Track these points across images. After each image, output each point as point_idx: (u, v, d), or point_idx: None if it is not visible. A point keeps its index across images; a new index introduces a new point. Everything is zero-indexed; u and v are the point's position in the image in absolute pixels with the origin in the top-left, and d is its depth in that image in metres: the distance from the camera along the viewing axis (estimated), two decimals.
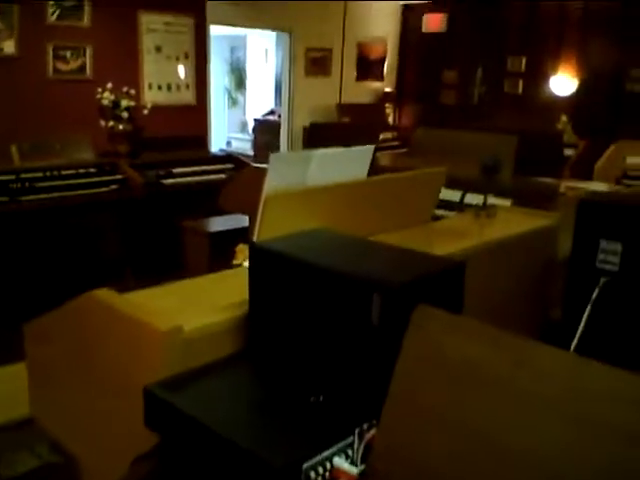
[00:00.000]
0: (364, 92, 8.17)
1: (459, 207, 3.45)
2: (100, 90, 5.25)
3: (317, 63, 7.43)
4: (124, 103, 5.27)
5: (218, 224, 4.59)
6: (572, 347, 1.87)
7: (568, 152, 5.72)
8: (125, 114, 5.27)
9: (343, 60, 7.79)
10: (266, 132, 7.94)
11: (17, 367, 1.94)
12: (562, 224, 2.38)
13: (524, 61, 7.27)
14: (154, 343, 1.16)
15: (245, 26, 7.19)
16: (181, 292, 1.56)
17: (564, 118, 6.61)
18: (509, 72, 7.42)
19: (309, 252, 1.25)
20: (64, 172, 4.83)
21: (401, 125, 8.32)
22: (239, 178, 4.17)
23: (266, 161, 6.29)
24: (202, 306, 1.38)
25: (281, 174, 1.52)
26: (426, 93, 8.26)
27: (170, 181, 5.38)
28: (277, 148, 7.64)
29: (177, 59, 6.07)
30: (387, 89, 8.35)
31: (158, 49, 5.90)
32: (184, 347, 1.17)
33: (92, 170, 5.00)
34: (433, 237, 1.94)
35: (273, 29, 7.12)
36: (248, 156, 8.38)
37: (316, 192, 1.61)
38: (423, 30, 8.20)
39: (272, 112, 10.12)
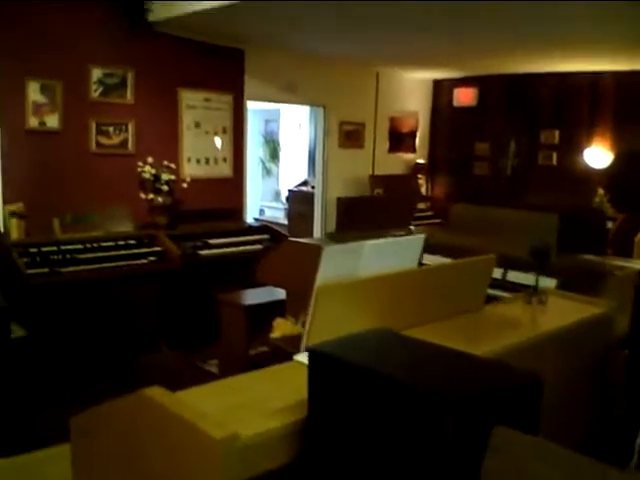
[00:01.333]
0: (396, 164, 8.26)
1: (502, 285, 3.38)
2: (141, 164, 5.40)
3: (350, 136, 7.56)
4: (164, 177, 5.41)
5: (254, 297, 4.57)
6: (638, 442, 1.77)
7: (607, 225, 5.65)
8: (165, 187, 5.39)
9: (376, 133, 7.92)
10: (300, 202, 8.03)
11: (59, 449, 1.87)
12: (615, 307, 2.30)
13: (557, 134, 7.30)
14: (209, 451, 1.12)
15: (281, 102, 7.40)
16: (233, 390, 1.51)
17: (601, 191, 6.56)
18: (542, 144, 7.45)
19: (370, 357, 1.21)
20: (104, 244, 4.91)
21: (434, 195, 8.35)
22: (277, 252, 4.18)
23: (300, 230, 6.26)
24: (255, 409, 1.33)
25: (333, 266, 1.50)
26: (458, 164, 8.32)
27: (206, 252, 5.43)
28: (311, 218, 7.69)
29: (215, 134, 6.23)
30: (419, 160, 8.42)
31: (197, 124, 6.07)
32: (240, 455, 1.12)
33: (131, 242, 5.08)
34: (486, 328, 1.88)
35: (307, 104, 7.30)
36: (282, 225, 8.46)
37: (369, 283, 1.58)
38: (454, 104, 8.33)
39: (305, 182, 10.26)
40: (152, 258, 4.99)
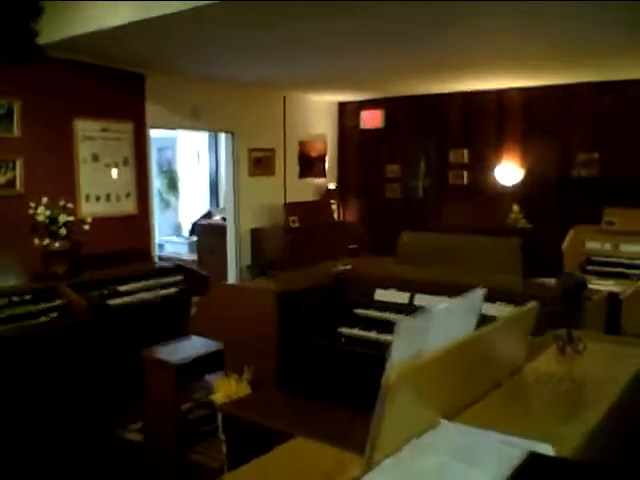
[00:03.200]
0: (308, 189, 7.97)
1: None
2: (33, 205, 4.71)
3: (261, 163, 7.19)
4: (61, 218, 4.74)
5: (183, 351, 4.04)
6: None
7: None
8: (63, 230, 4.73)
9: (286, 159, 7.59)
10: (209, 235, 7.51)
11: None
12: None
13: (466, 152, 7.32)
14: None
15: (186, 128, 6.90)
16: None
17: (516, 207, 6.60)
18: (452, 164, 7.44)
19: None
20: None
21: (346, 221, 8.12)
22: (210, 297, 3.70)
23: (212, 266, 5.60)
24: None
25: (408, 344, 1.12)
26: (369, 188, 8.17)
27: (116, 301, 4.81)
28: (222, 252, 7.20)
29: (116, 166, 5.62)
30: (330, 185, 8.19)
31: (95, 157, 5.46)
32: None
33: (26, 297, 4.37)
34: (552, 399, 1.53)
35: (215, 130, 6.85)
36: (187, 260, 7.88)
37: (444, 357, 1.22)
38: (361, 126, 8.20)
39: (209, 214, 9.74)
40: (53, 314, 4.32)
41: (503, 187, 7.04)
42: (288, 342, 3.35)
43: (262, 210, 7.26)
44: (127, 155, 5.72)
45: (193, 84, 6.28)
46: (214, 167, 10.12)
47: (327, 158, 8.28)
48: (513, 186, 6.97)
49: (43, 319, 4.24)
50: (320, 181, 8.18)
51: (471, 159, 7.31)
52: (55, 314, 4.33)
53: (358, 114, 8.24)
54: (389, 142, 7.99)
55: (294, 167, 7.75)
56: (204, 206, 10.11)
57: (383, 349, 2.97)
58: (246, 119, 6.96)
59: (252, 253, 7.10)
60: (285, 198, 7.56)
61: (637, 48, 5.08)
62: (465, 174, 7.35)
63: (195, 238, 9.47)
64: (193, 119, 6.33)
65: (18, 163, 4.85)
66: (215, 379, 3.38)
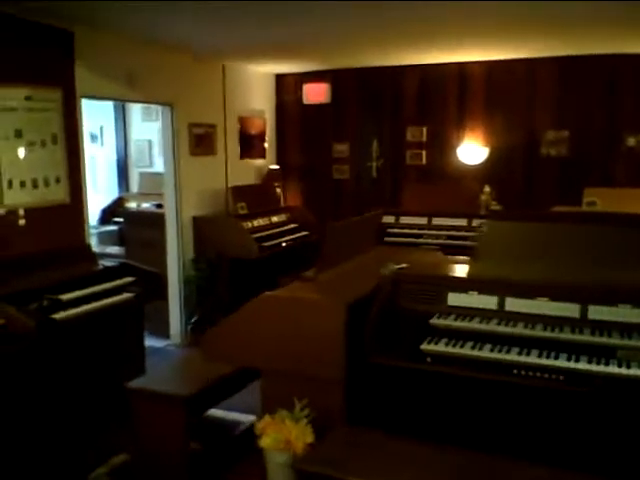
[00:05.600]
0: (249, 171, 7.12)
1: (581, 327, 2.51)
2: None
3: (202, 141, 6.23)
4: None
5: (179, 378, 3.17)
6: None
7: None
8: None
9: (226, 136, 6.69)
10: (141, 225, 6.42)
11: None
12: None
13: (425, 130, 6.82)
14: None
15: (120, 99, 5.78)
16: None
17: (487, 189, 6.20)
18: (409, 143, 6.91)
19: None
20: None
21: (289, 205, 7.35)
22: (242, 313, 2.80)
23: (146, 261, 4.54)
24: None
25: None
26: (314, 169, 7.46)
27: (63, 315, 3.78)
28: (157, 245, 6.20)
29: (43, 145, 4.50)
30: (272, 166, 7.38)
31: (18, 133, 4.30)
32: None
33: None
34: None
35: (152, 102, 5.81)
36: (111, 255, 6.76)
37: None
38: (304, 101, 7.44)
39: (120, 200, 8.59)
40: None
41: (466, 167, 6.62)
42: (355, 365, 2.63)
43: (204, 195, 6.33)
44: (56, 131, 4.59)
45: (127, 47, 5.23)
46: (122, 146, 8.92)
47: (266, 136, 7.45)
48: (477, 166, 6.57)
49: None
50: (260, 162, 7.34)
51: (430, 137, 6.82)
52: None
53: (299, 88, 7.47)
54: (336, 119, 7.31)
55: (235, 146, 6.86)
56: (111, 191, 8.92)
57: (503, 369, 2.38)
58: (185, 90, 5.98)
59: (195, 245, 6.17)
60: (227, 181, 6.66)
61: (606, 20, 4.76)
62: (424, 153, 6.85)
63: (108, 228, 8.30)
64: (128, 88, 5.27)
65: None
66: (261, 421, 2.57)
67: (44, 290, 3.90)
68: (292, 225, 6.90)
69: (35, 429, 3.61)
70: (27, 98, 4.35)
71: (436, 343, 2.55)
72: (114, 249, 7.01)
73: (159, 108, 8.30)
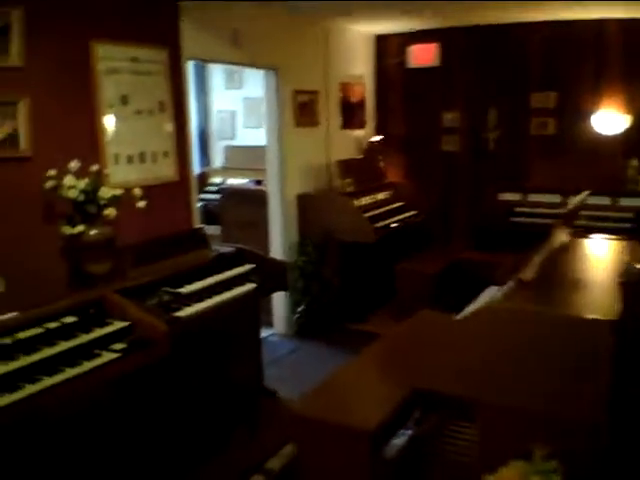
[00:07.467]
0: (349, 143, 6.44)
1: None
2: (53, 173, 3.05)
3: (305, 109, 5.59)
4: (105, 193, 3.11)
5: (356, 401, 2.56)
6: None
7: None
8: (111, 211, 3.11)
9: (329, 105, 6.02)
10: (238, 204, 5.85)
11: None
12: None
13: (553, 96, 5.98)
14: None
15: (225, 62, 5.16)
16: None
17: (634, 162, 5.38)
18: (534, 110, 6.10)
19: None
20: (20, 335, 2.54)
21: (392, 181, 6.65)
22: (465, 326, 2.16)
23: (246, 243, 3.60)
24: None
25: None
26: (419, 141, 6.72)
27: (187, 313, 3.23)
28: (258, 225, 5.63)
29: (150, 113, 3.93)
30: (374, 138, 6.68)
31: (124, 100, 3.74)
32: None
33: (68, 320, 2.74)
34: None
35: (257, 66, 5.16)
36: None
37: None
38: (409, 65, 6.69)
39: (202, 176, 8.04)
40: (117, 347, 2.72)
41: (603, 137, 5.78)
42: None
43: (307, 171, 5.70)
44: (163, 98, 4.02)
45: (230, 4, 4.58)
46: (202, 117, 8.36)
47: (366, 105, 6.75)
48: (616, 136, 5.72)
49: (107, 356, 2.64)
50: (360, 133, 6.66)
51: (559, 104, 5.98)
52: (120, 346, 2.73)
53: (403, 50, 6.71)
54: (446, 84, 6.53)
55: (336, 116, 6.19)
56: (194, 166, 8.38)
57: None
58: (289, 53, 5.32)
59: (299, 226, 5.57)
60: (328, 154, 6.01)
61: None
62: (551, 122, 6.03)
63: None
64: (233, 49, 4.65)
65: (21, 107, 3.11)
66: (499, 474, 1.96)
67: (160, 282, 3.37)
68: (398, 204, 6.23)
69: (160, 446, 3.11)
70: (133, 59, 3.78)
71: None
72: (209, 229, 6.47)
73: (242, 74, 7.87)
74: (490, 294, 3.00)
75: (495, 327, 2.21)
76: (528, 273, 2.43)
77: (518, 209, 5.58)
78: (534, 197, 5.61)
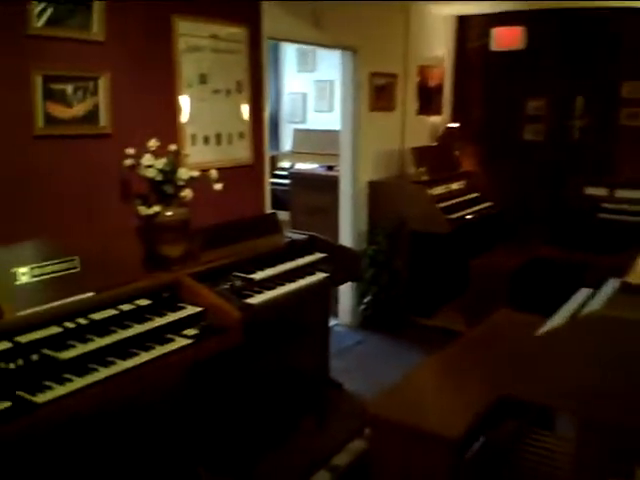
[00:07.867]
0: (423, 129, 6.21)
1: None
2: (132, 152, 2.99)
3: (382, 93, 5.39)
4: (183, 174, 3.03)
5: (436, 406, 2.42)
6: None
7: None
8: (188, 193, 3.03)
9: (406, 89, 5.80)
10: (307, 189, 5.75)
11: None
12: None
13: None
14: None
15: (305, 42, 5.02)
16: None
17: None
18: (626, 100, 5.71)
19: None
20: (95, 316, 2.50)
21: (466, 170, 6.38)
22: (574, 332, 1.98)
23: (315, 230, 3.36)
24: None
25: None
26: (500, 129, 6.42)
27: (260, 299, 3.14)
28: (327, 212, 5.51)
29: (228, 93, 3.84)
30: (450, 125, 6.43)
31: (203, 79, 3.65)
32: None
33: (143, 303, 2.69)
34: None
35: (335, 47, 5.00)
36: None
37: None
38: (492, 48, 6.38)
39: (272, 159, 7.95)
40: (190, 332, 2.64)
41: None
42: None
43: (379, 157, 5.52)
44: (241, 78, 3.92)
45: None
46: (274, 99, 8.26)
47: (444, 89, 6.49)
48: None
49: (180, 342, 2.57)
50: (436, 119, 6.42)
51: None
52: (193, 332, 2.66)
53: (486, 32, 6.40)
54: (531, 70, 6.19)
55: (412, 100, 5.97)
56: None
57: None
58: (368, 34, 5.13)
59: (369, 214, 5.40)
60: (402, 141, 5.81)
61: None
62: None
63: None
64: (313, 30, 4.50)
65: (101, 83, 3.06)
66: None
67: (231, 267, 3.29)
68: (473, 194, 5.96)
69: (209, 434, 3.05)
70: (212, 36, 3.68)
71: None
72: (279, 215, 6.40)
73: (316, 57, 7.72)
74: (583, 298, 2.78)
75: (600, 338, 2.01)
76: (637, 276, 2.20)
77: (605, 205, 5.24)
78: (622, 193, 5.26)
